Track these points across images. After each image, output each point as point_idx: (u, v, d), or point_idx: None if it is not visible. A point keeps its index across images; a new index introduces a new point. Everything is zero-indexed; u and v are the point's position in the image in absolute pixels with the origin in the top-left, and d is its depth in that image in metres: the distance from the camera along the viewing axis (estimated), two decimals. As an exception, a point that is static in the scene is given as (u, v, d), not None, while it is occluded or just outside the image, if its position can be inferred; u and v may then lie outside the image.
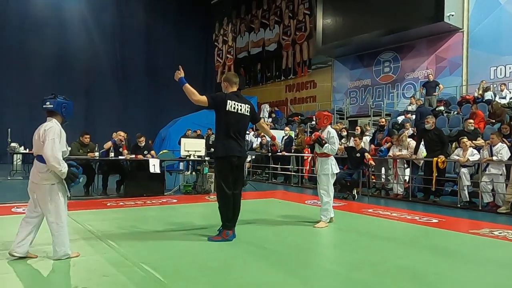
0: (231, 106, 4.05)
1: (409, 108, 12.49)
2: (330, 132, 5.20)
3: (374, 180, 9.02)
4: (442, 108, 11.78)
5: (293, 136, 12.02)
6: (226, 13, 24.90)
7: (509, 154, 6.62)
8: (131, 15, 20.99)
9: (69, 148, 3.29)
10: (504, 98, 10.98)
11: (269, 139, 11.57)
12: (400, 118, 12.15)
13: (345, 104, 16.68)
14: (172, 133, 14.67)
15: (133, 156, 7.82)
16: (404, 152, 8.21)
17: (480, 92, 11.63)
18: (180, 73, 3.99)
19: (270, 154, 11.58)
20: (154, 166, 7.63)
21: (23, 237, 3.24)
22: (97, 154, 7.57)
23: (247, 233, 4.42)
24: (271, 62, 21.67)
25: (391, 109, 14.45)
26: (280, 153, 10.88)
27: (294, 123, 15.70)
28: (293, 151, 11.02)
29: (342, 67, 17.80)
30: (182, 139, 8.92)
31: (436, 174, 7.32)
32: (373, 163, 8.12)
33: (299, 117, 16.73)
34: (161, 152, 10.11)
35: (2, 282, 2.83)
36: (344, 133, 10.22)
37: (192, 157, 8.45)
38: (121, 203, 6.64)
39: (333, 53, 17.53)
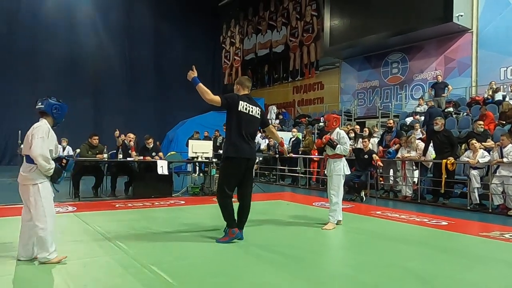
0: (243, 107, 4.09)
1: (418, 109, 12.39)
2: (339, 133, 5.22)
3: (382, 182, 8.97)
4: (451, 109, 11.67)
5: (300, 137, 12.00)
6: (233, 15, 24.97)
7: (520, 156, 6.54)
8: (139, 17, 21.17)
9: (60, 147, 3.28)
10: (515, 99, 10.83)
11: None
12: (409, 120, 12.05)
13: (353, 105, 16.60)
14: (180, 135, 14.74)
15: (141, 157, 7.87)
16: (413, 153, 8.15)
17: (490, 93, 11.50)
18: (193, 73, 4.03)
19: (277, 155, 11.58)
20: (162, 167, 7.66)
21: (25, 241, 3.24)
22: (105, 155, 7.64)
23: (255, 234, 4.42)
24: (279, 64, 21.67)
25: (399, 110, 14.36)
26: (288, 155, 10.86)
27: (302, 125, 15.67)
28: (300, 152, 11.00)
29: (350, 68, 17.73)
30: (189, 140, 8.96)
31: (445, 176, 7.25)
32: (381, 164, 8.08)
33: (307, 118, 16.69)
34: (169, 153, 10.16)
35: (9, 284, 2.86)
36: (352, 135, 10.17)
37: (199, 159, 8.47)
38: (130, 204, 6.68)
39: (341, 54, 17.47)
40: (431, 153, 7.91)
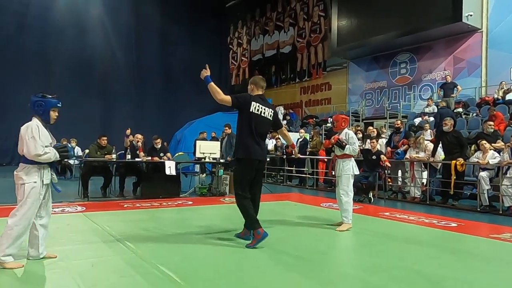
0: (255, 108, 4.03)
1: (427, 110, 12.29)
2: (348, 133, 5.22)
3: (390, 183, 8.90)
4: (460, 110, 11.56)
5: (308, 138, 11.97)
6: (240, 16, 25.01)
7: (531, 157, 6.46)
8: (147, 19, 21.32)
9: (51, 142, 3.22)
10: (525, 99, 10.70)
11: (284, 142, 11.64)
12: (417, 120, 11.96)
13: (361, 106, 16.52)
14: (188, 135, 14.79)
15: (149, 158, 7.92)
16: (422, 154, 8.08)
17: (501, 94, 11.36)
18: (207, 72, 3.97)
19: (285, 156, 11.56)
20: (170, 168, 7.70)
21: (31, 240, 3.27)
22: (114, 156, 7.69)
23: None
24: (286, 65, 21.65)
25: (407, 111, 14.25)
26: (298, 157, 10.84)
27: (309, 126, 15.64)
28: (308, 153, 10.97)
29: (358, 69, 17.65)
30: (197, 141, 8.98)
31: (455, 177, 7.18)
32: (389, 164, 8.03)
33: (314, 119, 16.66)
34: (176, 154, 10.21)
35: (18, 282, 2.89)
36: (360, 135, 10.12)
37: (207, 159, 8.49)
38: (138, 205, 6.72)
39: (348, 54, 17.40)
40: (440, 154, 7.84)
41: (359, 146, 9.43)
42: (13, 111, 16.13)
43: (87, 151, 8.42)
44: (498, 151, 7.13)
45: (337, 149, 5.23)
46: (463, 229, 5.25)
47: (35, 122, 3.25)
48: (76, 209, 6.04)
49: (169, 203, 7.06)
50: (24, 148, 3.14)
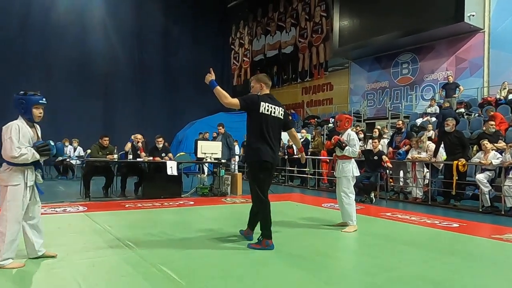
0: (264, 108, 3.86)
1: (429, 110, 12.26)
2: (350, 134, 5.17)
3: (392, 184, 8.89)
4: (462, 110, 11.53)
5: (309, 138, 11.96)
6: (242, 16, 25.03)
7: (534, 157, 6.43)
8: (149, 19, 21.34)
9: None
10: (528, 99, 10.66)
11: (285, 142, 11.62)
12: (419, 121, 11.94)
13: (363, 106, 16.51)
14: (189, 136, 14.81)
15: (151, 158, 7.93)
16: (423, 155, 8.06)
17: (503, 94, 11.32)
18: (211, 76, 3.84)
19: (286, 156, 11.56)
20: (172, 168, 7.71)
21: (27, 241, 3.26)
22: (116, 156, 7.71)
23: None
24: (288, 65, 21.66)
25: (409, 111, 14.23)
26: (297, 156, 10.84)
27: (311, 126, 15.62)
28: (309, 154, 10.97)
29: (359, 69, 17.64)
30: (198, 141, 8.97)
31: (457, 178, 7.17)
32: (390, 165, 8.02)
33: (316, 119, 16.64)
34: (178, 154, 10.22)
35: (19, 282, 2.90)
36: (361, 135, 10.11)
37: (208, 160, 8.50)
38: (139, 205, 6.73)
39: (350, 55, 17.40)
40: (442, 154, 7.82)
41: (360, 147, 9.45)
42: (14, 111, 16.18)
43: (89, 151, 8.43)
44: (500, 151, 7.11)
45: (337, 150, 5.20)
46: (465, 230, 5.23)
47: (17, 122, 3.16)
48: (78, 209, 6.06)
49: (171, 203, 7.07)
50: (2, 149, 3.06)
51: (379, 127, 9.85)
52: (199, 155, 8.36)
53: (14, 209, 3.08)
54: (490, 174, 6.98)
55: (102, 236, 4.28)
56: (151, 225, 5.05)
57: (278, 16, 22.48)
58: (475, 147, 8.07)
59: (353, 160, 5.19)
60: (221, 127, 9.78)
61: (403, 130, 9.52)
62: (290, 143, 11.26)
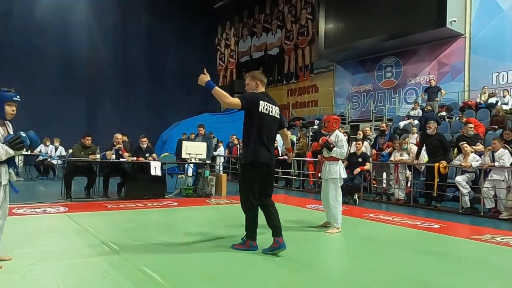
0: (263, 107, 3.74)
1: (412, 113, 12.48)
2: (338, 135, 5.13)
3: (375, 185, 9.00)
4: (444, 113, 11.77)
5: (294, 140, 12.01)
6: (228, 17, 25.01)
7: (511, 160, 6.61)
8: (134, 18, 21.15)
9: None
10: (507, 104, 10.95)
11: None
12: (402, 123, 12.13)
13: (347, 109, 16.68)
14: (174, 136, 14.69)
15: (135, 158, 7.83)
16: (406, 157, 8.19)
17: (483, 98, 11.61)
18: (206, 76, 3.61)
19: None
20: (155, 168, 7.63)
21: None
22: (98, 156, 7.58)
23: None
24: (273, 66, 21.73)
25: (393, 114, 14.45)
26: (282, 157, 10.87)
27: (296, 127, 15.70)
28: (294, 155, 11.00)
29: (344, 72, 17.82)
30: (183, 142, 8.90)
31: (438, 180, 7.31)
32: (367, 168, 8.05)
33: (301, 121, 16.74)
34: (162, 154, 10.12)
35: None
36: (346, 137, 10.17)
37: (193, 160, 8.44)
38: (122, 206, 6.63)
39: (335, 57, 17.57)
40: (424, 156, 7.96)
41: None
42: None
43: (70, 151, 8.27)
44: (479, 154, 7.28)
45: (325, 151, 5.14)
46: (445, 231, 5.33)
47: None
48: (59, 210, 5.93)
49: (154, 204, 7.00)
50: None
51: (367, 129, 9.96)
52: (184, 155, 8.29)
53: None
54: (470, 176, 7.13)
55: (84, 237, 4.21)
56: (134, 226, 4.98)
57: (264, 18, 22.54)
58: (455, 150, 8.24)
59: (340, 161, 5.15)
60: (201, 128, 9.61)
61: (387, 132, 9.66)
62: (276, 144, 11.27)
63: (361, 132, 10.15)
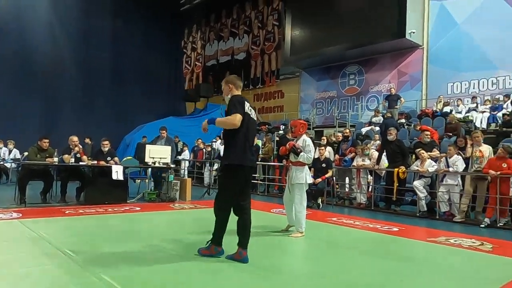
0: (248, 109, 3.69)
1: (374, 119, 12.89)
2: (305, 140, 5.15)
3: (338, 190, 9.20)
4: (403, 120, 12.25)
5: (260, 145, 12.06)
6: (195, 20, 24.83)
7: (464, 166, 6.97)
8: (97, 19, 20.45)
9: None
10: (460, 112, 11.58)
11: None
12: (364, 130, 12.50)
13: (312, 114, 16.99)
14: (137, 139, 14.34)
15: (95, 162, 7.56)
16: (367, 162, 8.44)
17: (439, 107, 12.20)
18: (204, 123, 3.71)
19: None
20: (117, 172, 7.40)
21: None
22: (56, 159, 7.26)
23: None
24: (240, 71, 21.74)
25: (355, 120, 14.87)
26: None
27: (262, 132, 15.77)
28: (260, 160, 11.05)
29: (309, 78, 18.16)
30: (147, 146, 8.66)
31: (397, 184, 7.59)
32: (329, 175, 8.22)
33: (267, 126, 16.84)
34: (125, 158, 9.84)
35: None
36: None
37: (157, 164, 8.26)
38: (81, 211, 6.38)
39: (301, 64, 17.88)
40: (384, 162, 8.24)
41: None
42: None
43: (26, 153, 7.86)
44: (435, 159, 7.63)
45: (292, 156, 5.14)
46: (404, 233, 5.53)
47: None
48: (11, 216, 5.62)
49: (116, 209, 6.78)
50: None
51: (339, 134, 10.14)
52: (147, 159, 8.10)
53: None
54: (426, 181, 7.46)
55: (38, 244, 4.00)
56: (93, 232, 4.80)
57: (231, 23, 22.59)
58: (413, 156, 8.59)
59: (306, 167, 5.16)
60: (164, 131, 9.23)
61: (350, 138, 9.91)
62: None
63: (324, 138, 10.35)
